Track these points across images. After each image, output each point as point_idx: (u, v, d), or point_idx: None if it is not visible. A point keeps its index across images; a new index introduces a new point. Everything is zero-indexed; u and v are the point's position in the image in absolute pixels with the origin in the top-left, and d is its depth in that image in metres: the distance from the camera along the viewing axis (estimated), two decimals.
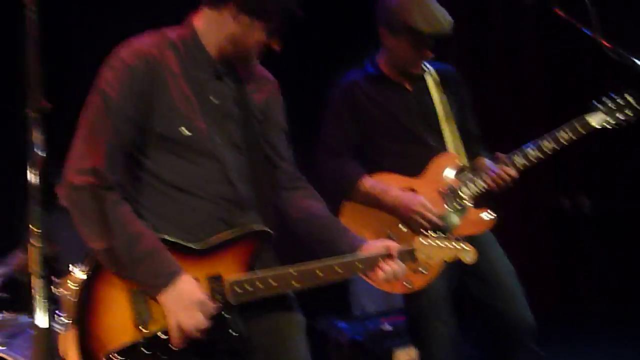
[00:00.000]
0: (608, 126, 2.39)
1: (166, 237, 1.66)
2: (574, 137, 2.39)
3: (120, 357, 1.58)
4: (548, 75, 4.89)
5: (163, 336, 1.61)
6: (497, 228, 2.53)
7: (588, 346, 4.20)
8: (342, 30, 4.43)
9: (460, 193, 2.43)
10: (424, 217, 2.36)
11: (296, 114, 2.02)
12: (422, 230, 2.32)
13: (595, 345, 4.18)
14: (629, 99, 2.36)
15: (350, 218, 2.43)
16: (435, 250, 1.87)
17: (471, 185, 2.43)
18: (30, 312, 3.35)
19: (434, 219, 2.36)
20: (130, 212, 1.65)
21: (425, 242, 1.86)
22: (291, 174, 1.94)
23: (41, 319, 1.12)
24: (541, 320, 2.50)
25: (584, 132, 2.38)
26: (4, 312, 3.35)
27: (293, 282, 1.68)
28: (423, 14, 2.32)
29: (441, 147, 2.50)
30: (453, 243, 1.90)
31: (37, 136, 1.27)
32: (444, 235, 1.89)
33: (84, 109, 1.68)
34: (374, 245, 1.81)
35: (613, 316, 4.52)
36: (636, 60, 2.09)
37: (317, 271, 1.71)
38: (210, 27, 1.76)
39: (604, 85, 2.48)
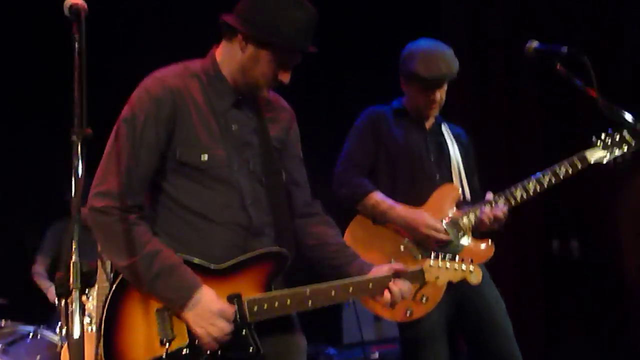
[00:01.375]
0: (604, 161, 2.50)
1: (187, 257, 1.76)
2: (571, 172, 2.50)
3: None
4: (547, 121, 5.02)
5: (184, 351, 1.70)
6: (488, 268, 2.62)
7: None
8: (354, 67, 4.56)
9: (460, 224, 2.53)
10: (430, 235, 2.46)
11: (307, 142, 2.11)
12: (427, 248, 2.43)
13: None
14: (626, 135, 2.48)
15: (357, 235, 2.55)
16: (443, 271, 1.95)
17: (472, 215, 2.53)
18: (30, 321, 3.41)
19: (441, 235, 2.46)
20: (148, 231, 1.74)
21: (433, 264, 1.94)
22: (306, 201, 2.03)
23: (77, 330, 1.21)
24: None
25: (581, 166, 2.50)
26: (3, 320, 3.41)
27: (307, 302, 1.78)
28: (425, 61, 2.55)
29: (447, 182, 2.65)
30: (461, 265, 1.98)
31: (79, 161, 1.37)
32: (451, 257, 1.97)
33: (110, 136, 1.79)
34: (382, 269, 1.90)
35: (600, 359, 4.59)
36: (626, 115, 2.21)
37: (331, 291, 1.81)
38: (226, 58, 1.86)
39: (598, 131, 2.59)
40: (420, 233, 2.46)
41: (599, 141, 2.52)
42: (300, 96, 2.21)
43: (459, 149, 2.74)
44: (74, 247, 1.29)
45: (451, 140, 2.74)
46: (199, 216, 1.79)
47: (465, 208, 2.59)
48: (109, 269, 2.91)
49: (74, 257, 1.27)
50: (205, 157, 1.77)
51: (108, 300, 1.71)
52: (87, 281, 1.20)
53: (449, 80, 2.63)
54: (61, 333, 3.12)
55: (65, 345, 2.91)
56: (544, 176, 2.51)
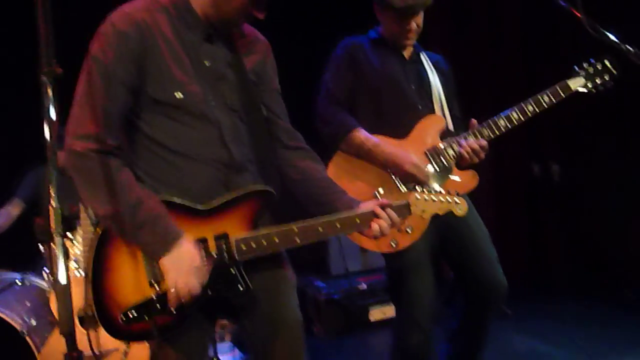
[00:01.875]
0: (586, 90, 2.52)
1: (174, 199, 1.73)
2: (554, 100, 2.51)
3: (135, 312, 1.68)
4: (528, 50, 4.98)
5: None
6: (471, 193, 2.64)
7: (555, 306, 4.41)
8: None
9: (445, 154, 2.52)
10: (414, 176, 2.45)
11: (289, 77, 2.05)
12: (413, 185, 2.42)
13: (563, 305, 4.40)
14: (607, 64, 2.51)
15: (341, 167, 2.51)
16: (429, 204, 1.95)
17: (455, 146, 2.51)
18: (16, 268, 3.38)
19: (423, 177, 2.45)
20: (131, 177, 1.69)
21: (419, 197, 1.94)
22: (290, 131, 1.98)
23: (62, 276, 1.19)
24: (512, 281, 2.62)
25: (564, 95, 2.51)
26: None
27: (295, 239, 1.77)
28: None
29: (429, 112, 2.60)
30: (446, 197, 1.98)
31: (50, 102, 1.31)
32: (437, 190, 1.97)
33: (80, 76, 1.70)
34: (370, 204, 1.88)
35: (580, 279, 4.73)
36: (612, 37, 2.19)
37: (319, 228, 1.80)
38: None
39: (582, 57, 2.58)
40: (404, 171, 2.44)
41: (581, 70, 2.53)
42: (277, 28, 2.13)
43: (439, 77, 2.68)
44: (52, 191, 1.24)
45: (430, 68, 2.68)
46: (178, 154, 1.74)
47: (449, 139, 2.57)
48: (92, 213, 2.89)
49: (53, 202, 1.23)
50: (179, 94, 1.71)
51: (95, 245, 1.69)
52: (68, 225, 1.17)
53: (425, 7, 2.54)
54: (48, 278, 3.11)
55: (51, 289, 2.92)
56: (526, 105, 2.49)
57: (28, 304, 3.13)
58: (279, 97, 1.98)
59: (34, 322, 3.05)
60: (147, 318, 1.68)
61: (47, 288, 3.12)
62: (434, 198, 1.96)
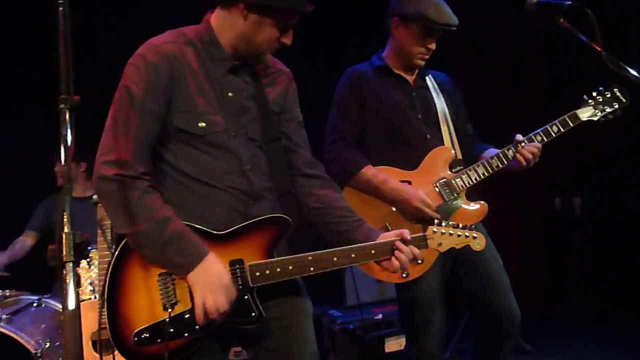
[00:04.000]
0: (595, 119, 2.53)
1: (189, 223, 1.75)
2: (563, 130, 2.51)
3: (148, 334, 1.69)
4: (548, 76, 4.97)
5: (187, 315, 1.71)
6: (491, 225, 2.61)
7: (575, 343, 4.30)
8: (351, 27, 4.48)
9: (455, 185, 2.51)
10: (422, 212, 2.43)
11: (306, 105, 2.07)
12: (424, 220, 2.40)
13: (583, 342, 4.29)
14: (616, 92, 2.51)
15: (350, 203, 2.50)
16: (446, 238, 1.94)
17: (465, 177, 2.51)
18: (37, 291, 3.41)
19: (432, 213, 2.43)
20: (159, 198, 1.73)
21: (436, 230, 1.94)
22: (310, 161, 2.00)
23: (72, 302, 1.20)
24: (531, 316, 2.58)
25: (573, 124, 2.52)
26: (7, 290, 3.43)
27: (310, 267, 1.78)
28: (435, 6, 2.49)
29: (438, 141, 2.58)
30: (464, 232, 1.97)
31: (67, 129, 1.33)
32: (454, 223, 1.96)
33: (112, 106, 1.76)
34: (388, 235, 1.88)
35: (599, 315, 4.63)
36: (630, 70, 2.19)
37: (333, 257, 1.80)
38: (224, 26, 1.82)
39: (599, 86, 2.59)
40: (413, 207, 2.42)
41: (590, 99, 2.53)
42: (299, 59, 2.15)
43: (445, 99, 2.66)
44: (65, 218, 1.26)
45: (436, 91, 2.66)
46: (198, 182, 1.77)
47: (458, 169, 2.55)
48: (109, 237, 2.91)
49: (66, 228, 1.24)
50: (202, 124, 1.75)
51: (110, 268, 1.72)
52: (80, 252, 1.18)
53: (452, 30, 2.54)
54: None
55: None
56: (535, 136, 2.49)
57: (42, 326, 3.14)
58: (300, 127, 2.01)
59: (47, 345, 3.05)
60: (159, 341, 1.69)
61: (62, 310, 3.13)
62: (451, 232, 1.95)
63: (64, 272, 1.22)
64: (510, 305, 2.52)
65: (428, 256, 2.42)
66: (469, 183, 2.50)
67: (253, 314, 1.75)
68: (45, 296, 3.35)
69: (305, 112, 2.04)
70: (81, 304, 3.01)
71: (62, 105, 1.35)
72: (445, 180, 2.51)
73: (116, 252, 1.72)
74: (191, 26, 1.87)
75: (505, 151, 2.52)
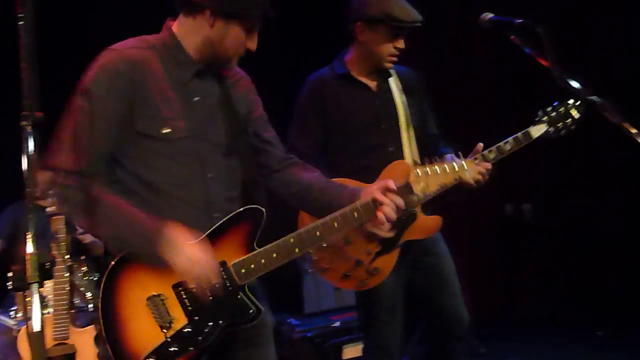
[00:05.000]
0: (549, 135, 2.49)
1: None
2: (515, 149, 2.49)
3: (153, 358, 1.69)
4: (500, 89, 5.10)
5: (186, 330, 1.70)
6: (445, 233, 2.66)
7: (529, 345, 4.41)
8: (313, 29, 4.48)
9: (411, 200, 2.50)
10: (375, 232, 2.37)
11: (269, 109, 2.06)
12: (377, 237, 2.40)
13: (536, 343, 4.40)
14: (570, 107, 2.47)
15: (307, 219, 2.50)
16: (432, 177, 1.79)
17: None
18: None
19: (383, 233, 2.36)
20: (119, 198, 1.72)
21: (419, 172, 1.79)
22: (280, 156, 2.00)
23: (37, 323, 1.18)
24: (485, 319, 2.65)
25: (525, 142, 2.48)
26: None
27: (294, 250, 1.74)
28: (399, 5, 2.47)
29: (398, 152, 2.58)
30: (452, 164, 1.80)
31: (30, 147, 1.31)
32: (438, 159, 1.82)
33: (68, 112, 1.73)
34: (368, 191, 1.80)
35: (551, 317, 4.76)
36: (577, 85, 2.24)
37: (316, 232, 1.75)
38: (188, 32, 1.81)
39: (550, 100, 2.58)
40: (367, 230, 2.35)
41: (544, 116, 2.49)
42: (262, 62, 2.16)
43: (409, 101, 2.63)
44: (29, 237, 1.23)
45: (400, 92, 2.63)
46: (158, 193, 1.75)
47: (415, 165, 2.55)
48: (63, 251, 2.85)
49: (30, 248, 1.22)
50: (166, 129, 1.73)
51: (100, 301, 1.70)
52: (45, 272, 1.16)
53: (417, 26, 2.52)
54: (17, 318, 3.04)
55: (23, 330, 2.85)
56: (489, 152, 2.45)
57: None
58: (267, 123, 2.01)
59: None
60: None
61: (14, 326, 3.04)
62: (437, 169, 1.79)
63: (29, 293, 1.20)
64: (459, 308, 2.59)
65: (384, 266, 2.46)
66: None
67: (251, 311, 1.73)
68: None
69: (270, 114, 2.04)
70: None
71: (24, 122, 1.33)
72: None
73: (102, 285, 1.71)
74: (153, 34, 1.86)
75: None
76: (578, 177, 5.02)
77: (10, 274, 3.11)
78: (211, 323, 1.71)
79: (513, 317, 4.95)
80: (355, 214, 1.77)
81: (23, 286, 1.18)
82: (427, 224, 2.54)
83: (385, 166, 2.52)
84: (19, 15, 1.40)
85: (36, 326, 1.16)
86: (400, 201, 1.78)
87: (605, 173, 5.06)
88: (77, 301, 3.17)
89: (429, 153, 2.61)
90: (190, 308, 1.71)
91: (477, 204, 5.11)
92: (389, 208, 1.76)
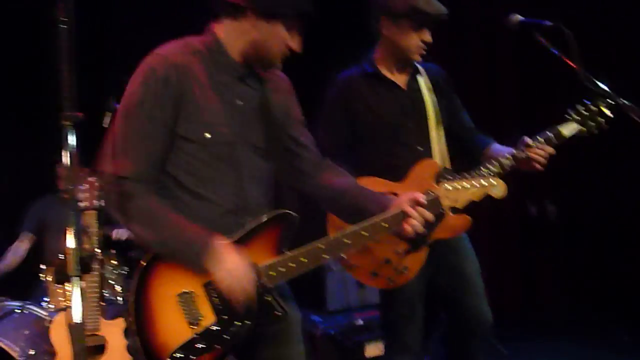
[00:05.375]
0: (580, 134, 2.44)
1: None
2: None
3: (182, 353, 1.73)
4: (523, 90, 5.08)
5: (214, 328, 1.75)
6: (467, 231, 2.65)
7: (550, 345, 4.42)
8: (339, 30, 4.50)
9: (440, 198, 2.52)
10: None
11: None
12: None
13: (558, 344, 4.40)
14: (602, 107, 2.41)
15: (337, 221, 2.53)
16: (461, 192, 1.86)
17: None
18: (14, 296, 3.39)
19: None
20: (165, 205, 1.77)
21: (449, 187, 1.85)
22: (314, 160, 2.02)
23: (77, 316, 1.23)
24: (508, 321, 2.65)
25: (557, 142, 2.46)
26: None
27: (323, 255, 1.78)
28: None
29: (427, 151, 2.58)
30: (480, 180, 1.86)
31: (71, 146, 1.36)
32: (467, 176, 1.91)
33: (119, 119, 1.78)
34: (399, 201, 1.85)
35: (574, 319, 4.73)
36: (606, 88, 2.23)
37: (344, 239, 1.79)
38: (232, 36, 1.84)
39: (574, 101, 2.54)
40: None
41: (574, 114, 2.44)
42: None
43: (438, 99, 2.62)
44: (70, 233, 1.29)
45: (429, 91, 2.63)
46: (194, 195, 1.80)
47: (445, 180, 2.57)
48: (95, 244, 2.92)
49: (72, 244, 1.27)
50: (207, 134, 1.78)
51: (134, 298, 1.75)
52: (86, 266, 1.21)
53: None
54: (50, 308, 3.13)
55: (55, 320, 2.93)
56: (519, 153, 2.42)
57: (26, 332, 3.13)
58: (304, 127, 2.05)
59: (32, 352, 3.04)
60: (193, 357, 1.72)
61: (46, 317, 3.12)
62: (466, 185, 1.85)
63: (71, 286, 1.25)
64: (482, 308, 2.58)
65: (413, 265, 2.47)
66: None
67: (279, 313, 1.77)
68: (27, 302, 3.33)
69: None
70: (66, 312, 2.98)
71: (65, 122, 1.38)
72: (430, 193, 2.54)
73: (136, 280, 1.76)
74: (195, 37, 1.89)
75: (502, 161, 2.41)
76: (603, 178, 4.97)
77: (42, 266, 3.23)
78: (238, 323, 1.75)
79: (535, 319, 4.94)
80: (385, 224, 1.82)
81: (65, 279, 1.24)
82: (456, 223, 2.53)
83: (413, 163, 2.53)
84: (61, 19, 1.45)
85: (77, 318, 1.21)
86: (428, 215, 1.84)
87: (632, 175, 5.01)
88: (107, 294, 3.25)
89: (468, 147, 2.65)
90: (219, 307, 1.76)
91: (498, 204, 5.08)
92: (417, 222, 1.82)
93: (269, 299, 1.77)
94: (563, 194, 5.05)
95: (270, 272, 1.77)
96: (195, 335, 1.73)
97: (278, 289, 1.80)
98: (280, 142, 1.95)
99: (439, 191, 1.87)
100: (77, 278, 1.25)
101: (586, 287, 4.98)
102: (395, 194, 2.50)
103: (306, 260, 1.78)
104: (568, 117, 2.46)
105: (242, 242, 1.79)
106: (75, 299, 1.23)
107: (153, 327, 1.74)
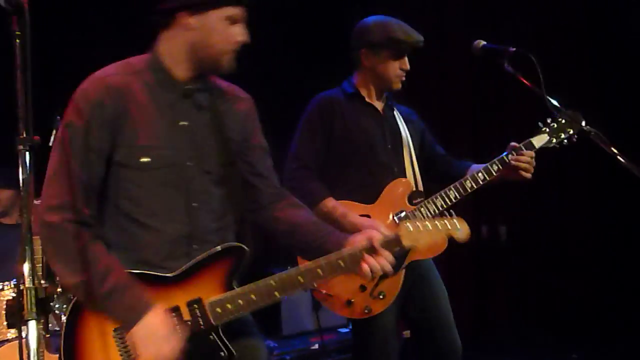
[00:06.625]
0: (551, 145, 2.54)
1: (140, 270, 1.67)
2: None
3: None
4: (477, 108, 5.16)
5: None
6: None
7: None
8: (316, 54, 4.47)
9: (417, 215, 2.49)
10: None
11: (270, 127, 1.99)
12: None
13: None
14: (568, 121, 2.50)
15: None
16: (423, 234, 1.78)
17: (423, 210, 2.50)
18: None
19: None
20: (103, 249, 1.66)
21: (411, 227, 1.78)
22: (270, 191, 1.91)
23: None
24: (461, 342, 2.64)
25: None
26: None
27: (275, 293, 1.68)
28: (401, 26, 2.56)
29: (401, 173, 2.60)
30: (443, 221, 1.80)
31: (27, 173, 1.24)
32: (431, 216, 1.84)
33: (53, 146, 1.67)
34: (358, 239, 1.76)
35: (526, 338, 4.80)
36: (571, 114, 2.27)
37: (299, 278, 1.70)
38: (170, 47, 1.74)
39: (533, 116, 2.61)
40: None
41: (545, 127, 2.54)
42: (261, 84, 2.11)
43: (410, 130, 2.69)
44: (26, 270, 1.16)
45: (402, 121, 2.69)
46: (139, 224, 1.69)
47: (418, 200, 2.54)
48: (40, 272, 2.74)
49: (28, 282, 1.14)
50: (146, 159, 1.67)
51: (63, 333, 1.61)
52: (44, 307, 1.08)
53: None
54: None
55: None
56: (492, 165, 2.53)
57: None
58: (264, 154, 1.93)
59: None
60: None
61: None
62: (428, 226, 1.79)
63: (26, 330, 1.12)
64: (454, 338, 2.58)
65: (390, 290, 2.44)
66: (428, 216, 2.49)
67: (222, 354, 1.67)
68: None
69: (270, 138, 1.96)
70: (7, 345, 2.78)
71: (20, 147, 1.27)
72: (404, 213, 2.52)
73: (67, 316, 1.63)
74: (139, 56, 1.79)
75: (489, 167, 2.53)
76: (552, 198, 5.08)
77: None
78: None
79: (486, 340, 4.97)
80: (342, 262, 1.73)
81: (19, 322, 1.11)
82: (436, 241, 2.52)
83: (387, 183, 2.54)
84: (16, 32, 1.34)
85: None
86: (387, 254, 1.76)
87: (580, 193, 5.15)
88: (51, 324, 3.05)
89: (445, 172, 2.68)
90: (125, 356, 1.64)
91: None
92: (374, 262, 1.74)
93: (213, 338, 1.67)
94: (513, 214, 5.13)
95: (217, 309, 1.67)
96: None
97: (233, 324, 1.70)
98: (236, 167, 1.83)
99: (400, 229, 1.80)
100: (34, 322, 1.12)
101: (536, 308, 5.06)
102: (368, 216, 2.49)
103: (256, 298, 1.67)
104: (539, 128, 2.54)
105: (188, 274, 1.69)
106: (31, 343, 1.10)
107: None
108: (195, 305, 1.66)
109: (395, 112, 2.71)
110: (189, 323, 1.65)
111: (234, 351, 1.67)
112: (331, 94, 2.65)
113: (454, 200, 2.50)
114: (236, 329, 1.74)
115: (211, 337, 1.66)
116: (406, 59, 2.58)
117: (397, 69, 2.57)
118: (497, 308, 5.19)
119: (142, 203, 1.69)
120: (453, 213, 1.87)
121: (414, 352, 2.74)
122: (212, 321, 1.66)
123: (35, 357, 1.11)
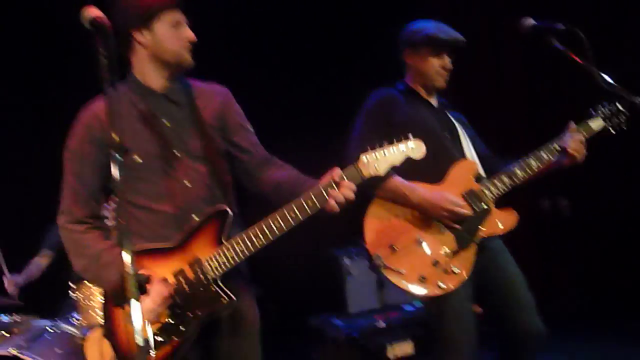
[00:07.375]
0: (607, 130, 2.59)
1: (144, 245, 1.99)
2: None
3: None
4: (531, 92, 5.11)
5: (169, 322, 1.95)
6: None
7: (567, 342, 4.41)
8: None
9: (483, 195, 2.55)
10: (454, 213, 2.48)
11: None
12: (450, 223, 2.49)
13: (574, 340, 4.41)
14: (619, 106, 2.58)
15: (380, 215, 2.56)
16: (380, 161, 1.97)
17: (492, 187, 2.55)
18: (44, 315, 3.43)
19: (465, 211, 2.48)
20: (97, 236, 2.05)
21: (367, 158, 1.96)
22: (257, 161, 2.17)
23: (139, 338, 1.29)
24: None
25: (588, 136, 2.59)
26: (14, 315, 3.45)
27: (255, 240, 1.95)
28: (440, 27, 2.69)
29: (462, 158, 2.67)
30: (397, 145, 1.97)
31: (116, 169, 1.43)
32: (386, 143, 1.98)
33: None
34: (324, 179, 1.98)
35: (590, 312, 4.79)
36: (622, 89, 2.30)
37: (273, 222, 1.95)
38: (140, 65, 2.07)
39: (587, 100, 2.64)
40: (444, 209, 2.47)
41: (600, 112, 2.60)
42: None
43: (462, 127, 2.78)
44: (127, 259, 1.35)
45: (455, 119, 2.79)
46: (146, 210, 2.03)
47: (485, 180, 2.60)
48: None
49: (128, 269, 1.33)
50: (138, 159, 2.00)
51: (103, 304, 2.03)
52: (142, 288, 1.28)
53: (455, 52, 2.69)
54: (82, 325, 3.17)
55: (91, 336, 2.97)
56: (551, 144, 2.58)
57: (59, 352, 3.16)
58: (244, 131, 2.19)
59: None
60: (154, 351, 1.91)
61: (78, 335, 3.17)
62: (385, 152, 1.97)
63: (129, 309, 1.31)
64: (533, 323, 2.56)
65: (464, 265, 2.48)
66: (497, 193, 2.55)
67: (224, 300, 1.95)
68: (57, 320, 3.36)
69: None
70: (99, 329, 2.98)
71: (112, 152, 1.45)
72: (473, 191, 2.56)
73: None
74: (121, 80, 2.11)
75: (549, 145, 2.58)
76: (617, 173, 5.01)
77: (71, 284, 3.26)
78: (190, 314, 1.94)
79: (550, 312, 4.96)
80: (309, 202, 1.94)
81: (122, 302, 1.29)
82: (503, 217, 2.59)
83: (449, 168, 2.60)
84: (101, 53, 1.52)
85: (139, 340, 1.27)
86: (348, 183, 1.94)
87: None
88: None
89: (489, 172, 2.67)
90: (171, 303, 1.95)
91: (511, 199, 5.13)
92: (337, 193, 1.93)
93: (214, 288, 1.95)
94: (576, 188, 5.08)
95: (211, 263, 1.95)
96: (156, 331, 1.91)
97: (229, 279, 1.98)
98: (215, 145, 2.11)
99: (358, 161, 1.96)
100: (135, 300, 1.31)
101: (600, 280, 5.01)
102: None
103: (240, 247, 1.94)
104: (593, 113, 2.58)
105: (184, 243, 2.00)
106: (136, 321, 1.28)
107: (118, 335, 1.97)
108: (195, 265, 1.97)
109: (447, 112, 2.81)
110: (194, 280, 1.95)
111: (233, 297, 1.96)
112: (386, 89, 2.77)
113: (520, 179, 2.56)
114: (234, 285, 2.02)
115: (213, 288, 1.96)
116: (447, 58, 2.69)
117: (437, 66, 2.69)
118: (559, 281, 5.17)
119: (146, 192, 2.03)
120: (410, 136, 2.00)
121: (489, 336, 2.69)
122: (210, 274, 1.95)
123: (140, 331, 1.29)
